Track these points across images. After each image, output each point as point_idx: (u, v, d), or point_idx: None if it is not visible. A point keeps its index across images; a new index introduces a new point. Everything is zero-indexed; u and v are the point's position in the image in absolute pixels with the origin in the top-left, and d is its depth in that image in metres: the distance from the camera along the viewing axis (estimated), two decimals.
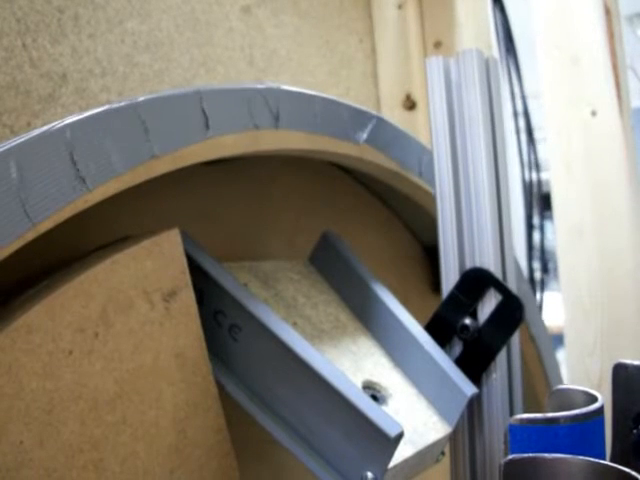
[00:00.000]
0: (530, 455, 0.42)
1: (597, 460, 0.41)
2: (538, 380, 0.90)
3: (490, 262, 0.62)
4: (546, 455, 0.42)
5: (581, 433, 0.46)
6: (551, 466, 0.41)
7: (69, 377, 0.40)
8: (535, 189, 1.47)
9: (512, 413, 0.63)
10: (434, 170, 0.64)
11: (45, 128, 0.39)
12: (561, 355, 1.11)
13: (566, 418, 0.46)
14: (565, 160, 1.13)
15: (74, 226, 0.40)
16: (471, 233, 0.63)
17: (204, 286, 0.49)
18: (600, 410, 0.47)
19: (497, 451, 0.61)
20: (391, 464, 0.46)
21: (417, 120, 1.17)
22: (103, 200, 0.41)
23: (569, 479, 0.41)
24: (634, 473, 0.38)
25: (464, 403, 0.57)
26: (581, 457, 0.41)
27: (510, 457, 0.41)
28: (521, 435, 0.45)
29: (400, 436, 0.45)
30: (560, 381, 0.94)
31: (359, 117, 0.63)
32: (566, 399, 0.51)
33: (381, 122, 0.66)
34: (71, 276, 0.41)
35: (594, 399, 0.48)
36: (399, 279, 0.81)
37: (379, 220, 0.82)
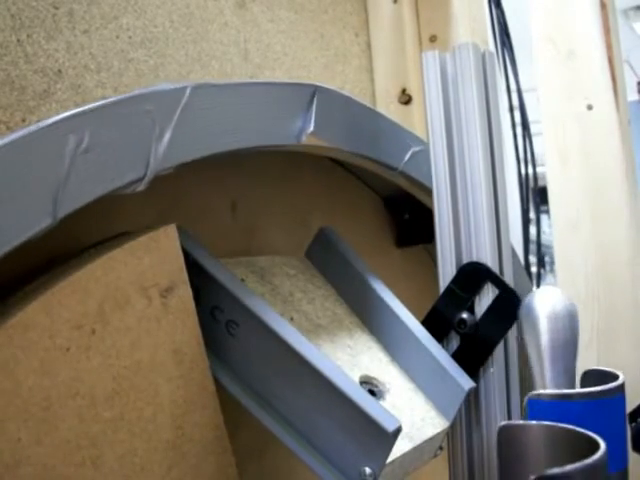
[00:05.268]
0: (520, 422, 0.47)
1: (571, 427, 0.44)
2: None
3: (487, 256, 0.62)
4: (533, 422, 0.47)
5: (594, 410, 0.48)
6: (536, 431, 0.46)
7: (66, 374, 0.40)
8: (531, 183, 1.47)
9: (509, 407, 0.63)
10: (430, 165, 0.64)
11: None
12: None
13: (580, 395, 0.49)
14: (561, 154, 1.13)
15: (71, 222, 0.40)
16: (468, 227, 0.63)
17: (201, 282, 0.49)
18: (616, 389, 0.49)
19: (495, 445, 0.61)
20: (389, 459, 0.46)
21: (413, 114, 1.17)
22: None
23: (549, 442, 0.45)
24: (597, 437, 0.42)
25: (462, 397, 0.57)
26: (560, 424, 0.45)
27: (503, 423, 0.47)
28: (538, 408, 0.49)
29: (398, 431, 0.45)
30: None
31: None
32: (598, 380, 0.53)
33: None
34: (68, 272, 0.41)
35: (615, 378, 0.50)
36: (360, 235, 0.77)
37: (327, 176, 0.77)
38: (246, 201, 0.64)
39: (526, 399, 0.49)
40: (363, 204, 0.81)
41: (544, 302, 0.54)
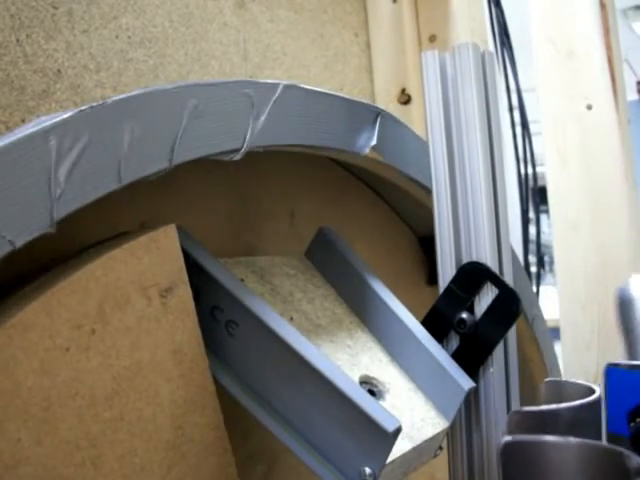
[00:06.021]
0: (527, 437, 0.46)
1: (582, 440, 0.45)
2: (538, 373, 0.90)
3: (487, 256, 0.62)
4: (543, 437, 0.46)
5: None
6: (549, 448, 0.45)
7: (66, 374, 0.40)
8: (531, 183, 1.47)
9: (509, 407, 0.63)
10: (430, 164, 0.64)
11: None
12: (557, 349, 1.11)
13: None
14: (560, 154, 1.14)
15: (71, 222, 0.40)
16: (467, 227, 0.63)
17: (201, 282, 0.49)
18: None
19: (495, 445, 0.61)
20: (389, 459, 0.46)
21: (412, 114, 1.17)
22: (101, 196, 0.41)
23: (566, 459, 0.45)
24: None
25: (462, 397, 0.57)
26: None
27: (506, 439, 0.46)
28: (615, 376, 0.52)
29: (398, 431, 0.45)
30: (559, 373, 0.95)
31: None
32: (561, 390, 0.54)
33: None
34: (68, 272, 0.41)
35: None
36: (393, 271, 0.81)
37: (371, 210, 0.82)
38: (303, 212, 0.70)
39: (605, 367, 0.52)
40: (400, 240, 0.86)
41: (639, 287, 0.61)
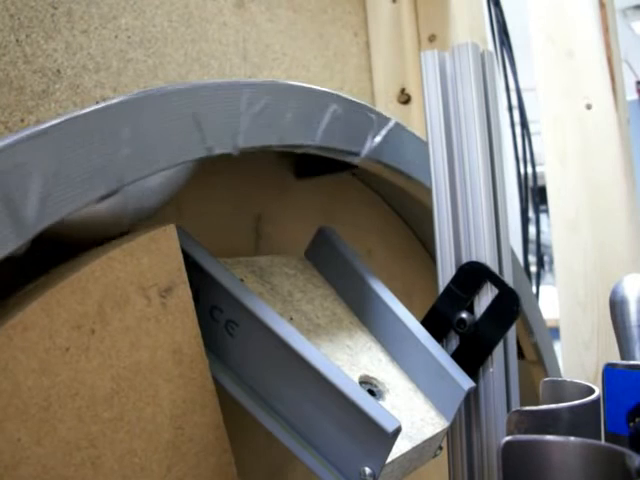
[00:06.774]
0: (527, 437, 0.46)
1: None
2: (537, 372, 0.90)
3: (486, 256, 0.62)
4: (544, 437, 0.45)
5: None
6: (548, 447, 0.44)
7: (66, 374, 0.40)
8: (531, 183, 1.46)
9: (509, 407, 0.63)
10: (429, 164, 0.64)
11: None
12: (557, 348, 1.11)
13: None
14: (560, 153, 1.14)
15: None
16: (467, 226, 0.63)
17: (200, 282, 0.49)
18: None
19: (494, 445, 0.61)
20: (389, 459, 0.46)
21: (412, 114, 1.17)
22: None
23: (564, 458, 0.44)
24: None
25: (461, 397, 0.57)
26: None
27: (506, 439, 0.45)
28: (613, 376, 0.52)
29: (398, 431, 0.45)
30: (559, 373, 0.95)
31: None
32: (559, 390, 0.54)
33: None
34: (67, 273, 0.41)
35: None
36: (408, 291, 0.82)
37: (387, 225, 0.85)
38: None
39: (603, 367, 0.53)
40: (414, 249, 0.91)
41: (633, 287, 0.61)
